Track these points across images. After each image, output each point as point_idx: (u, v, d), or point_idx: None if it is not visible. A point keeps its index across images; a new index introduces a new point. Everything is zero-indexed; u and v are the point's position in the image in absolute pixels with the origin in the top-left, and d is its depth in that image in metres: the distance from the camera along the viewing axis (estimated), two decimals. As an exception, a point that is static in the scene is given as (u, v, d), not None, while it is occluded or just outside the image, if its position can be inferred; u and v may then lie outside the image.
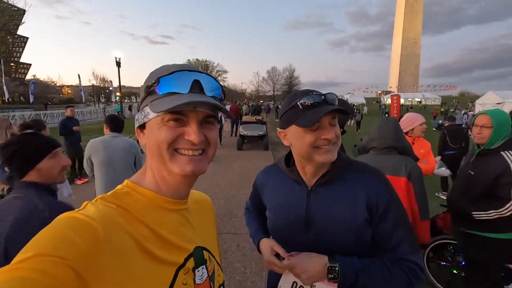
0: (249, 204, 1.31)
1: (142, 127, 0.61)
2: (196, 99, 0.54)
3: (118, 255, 0.47)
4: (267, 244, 1.02)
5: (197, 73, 0.58)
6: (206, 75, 0.59)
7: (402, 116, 2.82)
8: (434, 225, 2.89)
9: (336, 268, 0.86)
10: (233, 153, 9.92)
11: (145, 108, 0.59)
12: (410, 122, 2.67)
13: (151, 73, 0.60)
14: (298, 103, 0.89)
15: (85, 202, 0.54)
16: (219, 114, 0.64)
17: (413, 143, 2.66)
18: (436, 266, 2.84)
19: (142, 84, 0.61)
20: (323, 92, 0.91)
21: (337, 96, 0.93)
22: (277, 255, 0.97)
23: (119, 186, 0.60)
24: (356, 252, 0.92)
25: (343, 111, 0.87)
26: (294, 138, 0.93)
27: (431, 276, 2.77)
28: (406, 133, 2.67)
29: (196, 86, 0.57)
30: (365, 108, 37.84)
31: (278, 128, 1.01)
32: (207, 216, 0.78)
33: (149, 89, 0.58)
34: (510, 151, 1.85)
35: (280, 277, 1.00)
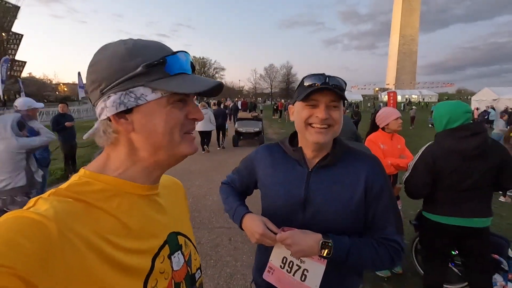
0: (233, 178, 1.26)
1: (127, 111, 0.52)
2: (214, 82, 0.56)
3: (79, 254, 0.42)
4: (258, 219, 1.00)
5: (186, 53, 0.58)
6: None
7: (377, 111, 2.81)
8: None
9: (330, 244, 0.90)
10: (228, 150, 9.91)
11: (137, 88, 0.51)
12: (385, 117, 2.64)
13: (129, 50, 0.52)
14: (304, 83, 0.97)
15: (35, 198, 0.47)
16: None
17: (391, 139, 2.69)
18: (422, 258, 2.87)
19: (113, 61, 0.52)
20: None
21: (344, 82, 0.97)
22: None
23: (74, 177, 0.53)
24: (349, 233, 0.96)
25: (339, 94, 0.92)
26: (296, 112, 1.01)
27: (418, 267, 2.81)
28: (382, 128, 2.68)
29: (193, 67, 0.60)
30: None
31: (290, 105, 1.09)
32: (179, 199, 0.76)
33: (151, 67, 0.51)
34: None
35: (268, 254, 1.03)
